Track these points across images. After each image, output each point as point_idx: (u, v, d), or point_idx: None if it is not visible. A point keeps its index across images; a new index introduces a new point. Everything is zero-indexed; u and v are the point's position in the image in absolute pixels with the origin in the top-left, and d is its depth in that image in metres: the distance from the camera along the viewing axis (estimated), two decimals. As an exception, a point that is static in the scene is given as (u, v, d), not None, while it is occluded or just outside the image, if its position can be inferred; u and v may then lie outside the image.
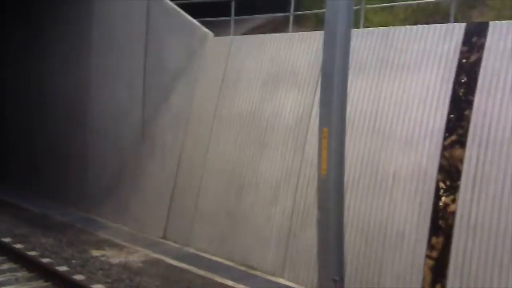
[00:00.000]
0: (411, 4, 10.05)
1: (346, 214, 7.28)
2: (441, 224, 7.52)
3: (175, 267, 9.95)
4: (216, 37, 11.55)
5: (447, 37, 8.06)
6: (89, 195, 13.76)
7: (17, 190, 15.88)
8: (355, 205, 8.45)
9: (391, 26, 9.12)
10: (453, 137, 7.65)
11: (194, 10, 11.96)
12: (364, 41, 8.96)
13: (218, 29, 11.82)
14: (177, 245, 11.19)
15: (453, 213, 7.42)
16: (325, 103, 6.05)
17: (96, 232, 12.14)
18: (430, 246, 7.55)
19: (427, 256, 7.56)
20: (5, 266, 9.83)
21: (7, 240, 11.00)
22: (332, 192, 6.02)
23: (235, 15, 11.68)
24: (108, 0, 13.19)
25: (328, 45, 6.03)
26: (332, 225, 6.06)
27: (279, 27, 12.19)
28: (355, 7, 8.50)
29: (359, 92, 8.75)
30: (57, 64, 14.85)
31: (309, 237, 8.85)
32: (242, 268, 9.88)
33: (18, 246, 10.64)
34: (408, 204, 7.89)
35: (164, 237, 11.58)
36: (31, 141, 16.01)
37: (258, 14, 12.54)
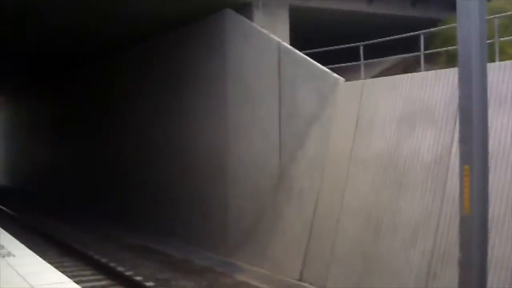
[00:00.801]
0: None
1: (490, 253, 6.96)
2: None
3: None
4: (347, 82, 11.70)
5: None
6: (229, 239, 14.26)
7: (160, 236, 16.59)
8: (499, 244, 8.03)
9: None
10: None
11: (322, 58, 12.32)
12: (503, 74, 8.69)
13: (347, 74, 12.01)
14: (314, 287, 11.29)
15: None
16: (465, 140, 5.91)
17: (234, 274, 12.57)
18: None
19: None
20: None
21: (149, 284, 11.69)
22: (475, 232, 5.84)
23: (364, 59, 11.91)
24: (240, 56, 13.85)
25: (464, 81, 5.96)
26: (474, 266, 5.85)
27: (409, 67, 12.24)
28: (488, 41, 8.37)
29: (501, 127, 8.43)
30: (197, 119, 15.70)
31: (450, 278, 8.40)
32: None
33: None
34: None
35: (300, 279, 11.70)
36: (173, 190, 16.84)
37: (387, 56, 12.63)
